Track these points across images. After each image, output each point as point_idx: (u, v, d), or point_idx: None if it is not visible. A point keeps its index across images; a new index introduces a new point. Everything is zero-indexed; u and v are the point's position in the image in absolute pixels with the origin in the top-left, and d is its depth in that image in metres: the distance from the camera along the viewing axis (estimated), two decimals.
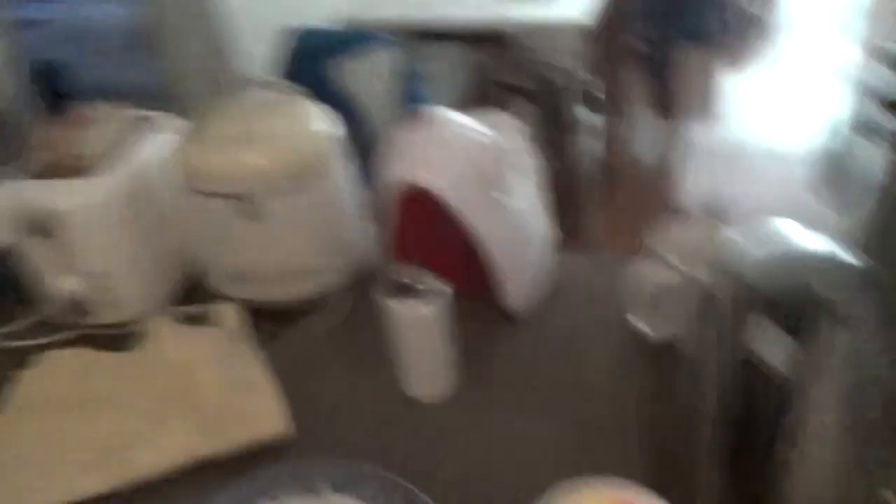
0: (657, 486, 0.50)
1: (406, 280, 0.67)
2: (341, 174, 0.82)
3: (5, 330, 0.84)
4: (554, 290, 0.83)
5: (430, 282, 0.67)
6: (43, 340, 0.82)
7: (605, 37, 2.36)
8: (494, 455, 0.65)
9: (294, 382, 0.73)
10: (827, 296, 0.44)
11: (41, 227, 0.74)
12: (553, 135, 2.29)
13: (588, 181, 2.48)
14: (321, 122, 0.81)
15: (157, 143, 0.84)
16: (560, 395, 0.71)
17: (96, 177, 0.76)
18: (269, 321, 0.80)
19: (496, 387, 0.73)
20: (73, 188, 0.76)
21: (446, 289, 0.67)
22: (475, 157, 0.74)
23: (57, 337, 0.82)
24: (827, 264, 0.48)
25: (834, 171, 2.40)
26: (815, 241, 0.51)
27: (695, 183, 2.69)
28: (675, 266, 0.65)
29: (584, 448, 0.64)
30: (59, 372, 0.76)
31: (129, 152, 0.80)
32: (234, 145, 0.75)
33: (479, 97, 3.52)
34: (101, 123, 0.81)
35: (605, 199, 2.66)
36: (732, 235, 0.54)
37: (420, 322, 0.67)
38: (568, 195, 2.35)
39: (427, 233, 0.78)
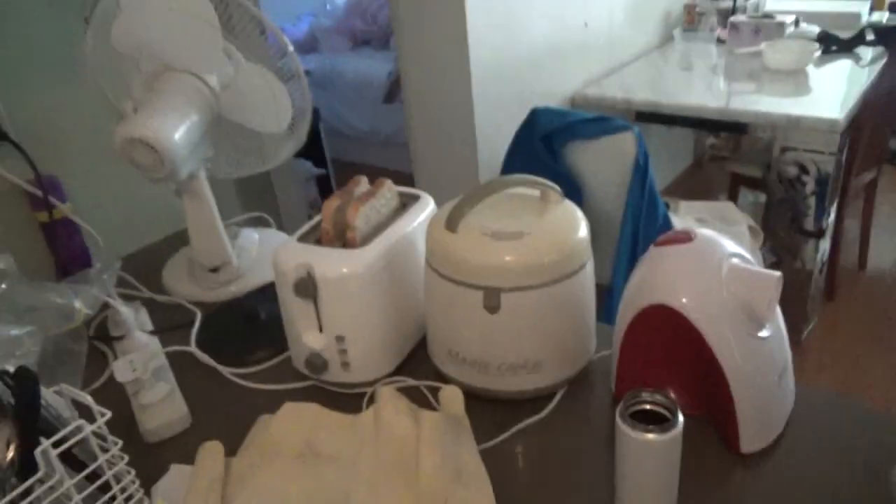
0: None
1: (644, 405, 0.64)
2: (585, 274, 0.81)
3: (253, 370, 0.93)
4: (789, 426, 0.75)
5: (668, 408, 0.63)
6: (281, 386, 0.89)
7: (860, 135, 2.16)
8: None
9: (501, 480, 0.71)
10: None
11: (306, 287, 0.81)
12: (784, 232, 2.12)
13: (816, 285, 2.26)
14: (576, 225, 0.81)
15: (416, 222, 0.89)
16: None
17: (359, 249, 0.83)
18: (488, 411, 0.81)
19: None
20: (339, 257, 0.82)
21: (676, 414, 0.62)
22: (744, 293, 0.69)
23: (293, 385, 0.89)
24: None
25: None
26: None
27: None
28: None
29: None
30: (294, 422, 0.81)
31: (391, 228, 0.86)
32: (489, 240, 0.77)
33: (702, 182, 3.38)
34: (374, 199, 0.87)
35: (830, 305, 2.41)
36: None
37: (651, 451, 0.63)
38: (793, 298, 2.16)
39: (665, 353, 0.75)
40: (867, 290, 2.52)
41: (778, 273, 0.67)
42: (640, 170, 1.55)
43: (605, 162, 1.63)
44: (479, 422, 0.78)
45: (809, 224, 2.06)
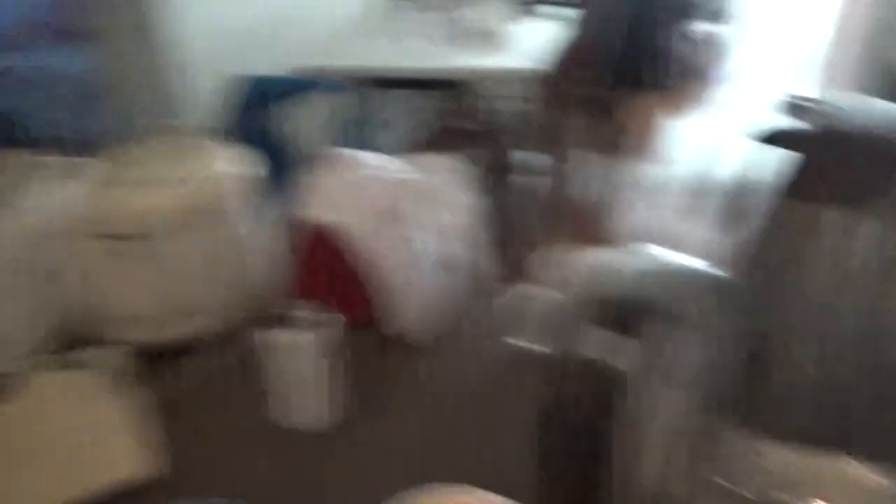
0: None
1: (290, 312, 0.66)
2: (243, 215, 0.81)
3: None
4: (462, 319, 0.82)
5: (314, 313, 0.66)
6: None
7: (555, 83, 2.41)
8: (381, 480, 0.62)
9: (176, 422, 0.71)
10: (662, 300, 0.44)
11: None
12: (497, 175, 2.32)
13: (531, 219, 2.50)
14: (226, 164, 0.81)
15: (63, 189, 0.82)
16: (447, 417, 0.70)
17: None
18: (157, 361, 0.78)
19: (385, 413, 0.72)
20: None
21: (327, 318, 0.65)
22: (381, 195, 0.75)
23: None
24: (673, 277, 0.48)
25: (735, 203, 2.48)
26: (678, 259, 0.51)
27: (628, 217, 2.75)
28: (550, 286, 0.65)
29: (474, 470, 0.59)
30: None
31: (30, 199, 0.79)
32: (132, 187, 0.75)
33: (430, 141, 3.57)
34: (14, 168, 0.80)
35: (545, 234, 2.69)
36: (600, 258, 0.54)
37: (298, 351, 0.65)
38: (509, 232, 2.37)
39: (332, 269, 0.78)
40: (578, 219, 2.84)
41: (413, 176, 0.73)
42: (354, 129, 1.60)
43: (314, 125, 1.66)
44: (150, 373, 0.76)
45: (509, 163, 2.28)
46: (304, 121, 1.68)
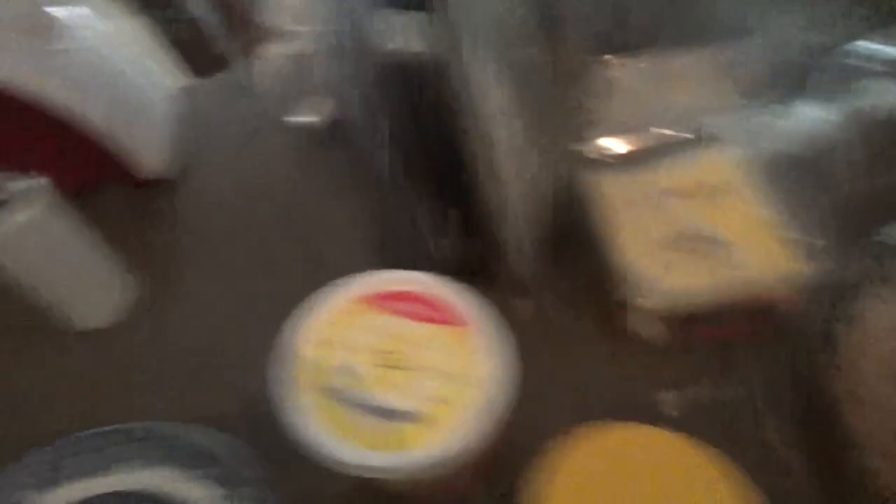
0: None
1: None
2: None
3: None
4: (196, 139, 0.65)
5: (16, 184, 0.48)
6: None
7: None
8: (189, 364, 0.50)
9: None
10: None
11: None
12: None
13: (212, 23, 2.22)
14: None
15: None
16: (240, 245, 0.57)
17: None
18: None
19: (175, 280, 0.56)
20: None
21: (40, 182, 0.48)
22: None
23: None
24: None
25: None
26: None
27: None
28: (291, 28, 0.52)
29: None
30: None
31: None
32: None
33: None
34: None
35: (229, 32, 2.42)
36: None
37: (26, 234, 0.48)
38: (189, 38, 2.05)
39: (17, 136, 0.57)
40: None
41: None
42: None
43: None
44: None
45: None
46: None
